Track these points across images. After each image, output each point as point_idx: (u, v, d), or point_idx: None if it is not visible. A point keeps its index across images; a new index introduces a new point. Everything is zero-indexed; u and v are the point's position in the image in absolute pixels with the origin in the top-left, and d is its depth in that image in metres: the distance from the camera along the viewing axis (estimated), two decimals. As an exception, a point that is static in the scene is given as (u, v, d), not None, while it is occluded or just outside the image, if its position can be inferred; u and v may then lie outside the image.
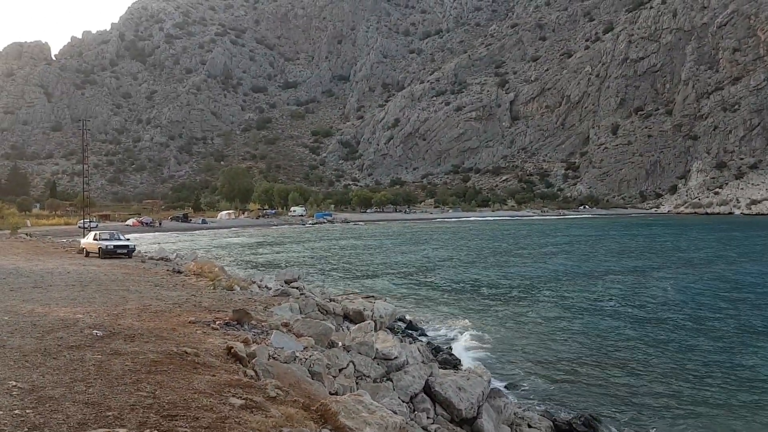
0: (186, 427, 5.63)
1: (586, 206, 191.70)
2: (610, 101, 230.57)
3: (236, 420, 6.01)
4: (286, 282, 25.96)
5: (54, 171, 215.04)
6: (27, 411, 5.98)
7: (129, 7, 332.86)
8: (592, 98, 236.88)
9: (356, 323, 18.57)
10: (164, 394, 6.69)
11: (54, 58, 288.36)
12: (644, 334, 21.58)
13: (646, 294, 30.88)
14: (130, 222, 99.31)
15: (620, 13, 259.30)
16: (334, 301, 22.57)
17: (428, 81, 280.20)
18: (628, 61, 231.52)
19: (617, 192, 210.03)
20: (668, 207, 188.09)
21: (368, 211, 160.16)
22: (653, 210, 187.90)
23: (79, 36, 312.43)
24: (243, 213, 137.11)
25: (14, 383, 6.91)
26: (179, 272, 26.25)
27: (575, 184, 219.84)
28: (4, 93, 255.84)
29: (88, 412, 5.98)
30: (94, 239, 34.98)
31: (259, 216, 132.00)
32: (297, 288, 23.89)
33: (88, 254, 34.15)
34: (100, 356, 8.51)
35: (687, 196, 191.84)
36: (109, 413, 5.97)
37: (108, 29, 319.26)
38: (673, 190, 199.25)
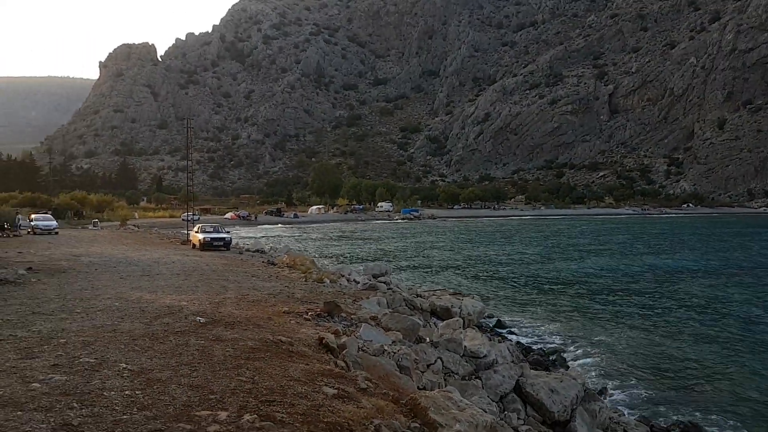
0: (283, 413, 5.84)
1: (690, 204, 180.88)
2: (717, 94, 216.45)
3: (329, 409, 6.17)
4: (373, 276, 26.32)
5: (160, 166, 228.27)
6: (136, 392, 6.35)
7: (229, 9, 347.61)
8: (697, 91, 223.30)
9: (443, 320, 18.55)
10: (262, 380, 6.95)
11: (160, 59, 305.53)
12: (758, 342, 20.17)
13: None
14: (228, 216, 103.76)
15: (727, 1, 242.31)
16: (421, 296, 22.64)
17: (521, 74, 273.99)
18: (736, 51, 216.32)
19: (723, 189, 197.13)
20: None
21: (455, 207, 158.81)
22: (762, 209, 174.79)
23: (183, 38, 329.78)
24: (332, 208, 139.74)
25: (125, 365, 7.39)
26: (273, 264, 27.19)
27: (678, 181, 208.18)
28: (114, 92, 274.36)
29: (192, 395, 6.30)
30: (196, 232, 36.79)
31: (347, 211, 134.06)
32: (384, 282, 24.15)
33: (194, 246, 35.80)
34: (203, 342, 8.96)
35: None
36: (212, 396, 6.27)
37: (209, 31, 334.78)
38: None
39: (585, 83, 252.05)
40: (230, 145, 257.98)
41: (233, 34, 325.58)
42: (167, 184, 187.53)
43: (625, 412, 13.33)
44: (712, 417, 13.38)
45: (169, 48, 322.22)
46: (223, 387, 6.61)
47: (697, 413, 13.57)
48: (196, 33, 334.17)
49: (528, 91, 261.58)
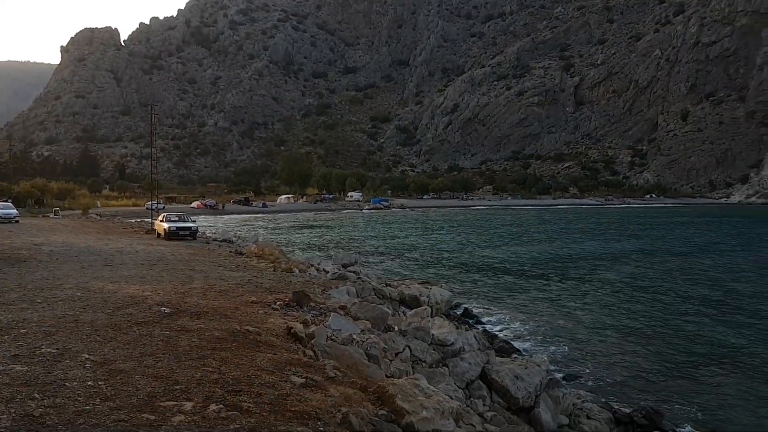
0: (249, 403, 5.81)
1: (653, 195, 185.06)
2: (680, 87, 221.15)
3: (297, 398, 6.16)
4: (343, 266, 26.32)
5: (123, 154, 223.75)
6: (99, 383, 6.26)
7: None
8: (661, 83, 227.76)
9: (412, 308, 18.66)
10: (229, 370, 6.91)
11: (123, 44, 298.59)
12: (715, 325, 20.79)
13: (725, 284, 29.70)
14: (194, 204, 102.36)
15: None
16: (390, 285, 22.73)
17: (489, 65, 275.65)
18: (699, 45, 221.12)
19: (686, 180, 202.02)
20: (739, 197, 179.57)
21: (425, 197, 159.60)
22: (722, 200, 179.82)
23: (147, 22, 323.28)
24: (301, 198, 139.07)
25: (87, 356, 7.26)
26: (241, 254, 26.96)
27: (641, 172, 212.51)
28: (76, 78, 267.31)
29: (156, 386, 6.23)
30: (161, 221, 36.21)
31: (316, 201, 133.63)
32: (354, 272, 24.18)
33: (159, 235, 35.28)
34: (167, 332, 8.84)
35: (759, 186, 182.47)
36: (177, 387, 6.21)
37: (174, 15, 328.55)
38: (745, 179, 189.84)
39: (551, 75, 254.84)
40: (196, 132, 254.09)
41: (199, 18, 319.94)
42: (131, 172, 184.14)
43: (589, 399, 13.60)
44: (674, 402, 13.75)
45: (133, 32, 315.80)
46: (189, 377, 6.54)
47: (659, 399, 13.92)
48: (161, 17, 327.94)
49: (496, 83, 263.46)
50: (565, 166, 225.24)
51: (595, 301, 25.60)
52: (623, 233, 65.23)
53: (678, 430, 12.24)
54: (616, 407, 12.99)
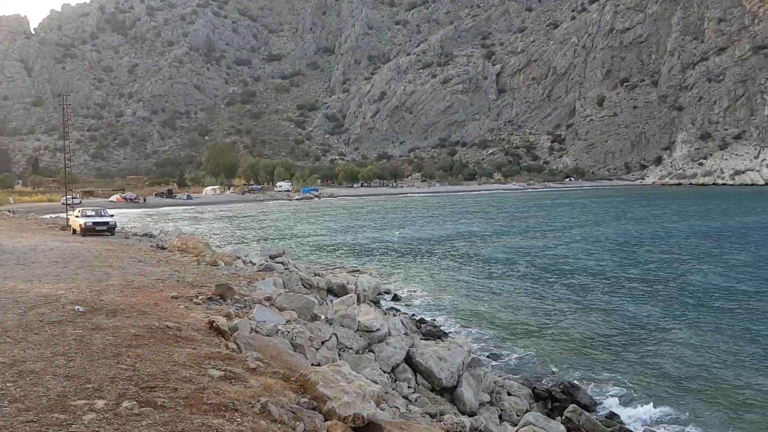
0: (164, 398, 5.75)
1: (572, 178, 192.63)
2: (596, 73, 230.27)
3: (215, 390, 6.13)
4: (270, 257, 26.09)
5: (36, 147, 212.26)
6: (8, 384, 6.06)
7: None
8: (578, 70, 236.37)
9: (340, 297, 18.78)
10: (144, 367, 6.79)
11: (33, 32, 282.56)
12: (631, 300, 22.00)
13: (622, 258, 31.38)
14: (113, 198, 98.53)
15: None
16: (318, 275, 22.77)
17: (414, 53, 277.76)
18: (614, 31, 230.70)
19: (603, 164, 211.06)
20: (653, 178, 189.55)
21: (355, 185, 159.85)
22: (638, 181, 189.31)
23: (59, 9, 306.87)
24: (228, 189, 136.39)
25: (-5, 358, 6.97)
26: (163, 248, 26.24)
27: (561, 157, 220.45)
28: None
29: (68, 385, 6.08)
30: (77, 216, 34.69)
31: (244, 191, 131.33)
32: (282, 263, 24.02)
33: (75, 231, 33.78)
34: (81, 331, 8.59)
35: (672, 167, 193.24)
36: (89, 386, 6.07)
37: (88, 2, 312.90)
38: (658, 161, 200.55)
39: (474, 63, 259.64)
40: (114, 122, 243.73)
41: (114, 4, 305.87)
42: (45, 165, 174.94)
43: (510, 376, 14.16)
44: (592, 376, 14.51)
45: (44, 20, 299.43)
46: (102, 376, 6.41)
47: (579, 373, 14.65)
48: (73, 4, 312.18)
49: (421, 70, 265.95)
50: (489, 152, 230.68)
51: (520, 283, 26.55)
52: (546, 216, 67.68)
53: (596, 401, 12.95)
54: (536, 383, 13.60)
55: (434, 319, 19.76)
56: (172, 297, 12.50)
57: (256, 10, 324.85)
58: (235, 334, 9.52)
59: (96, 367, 6.75)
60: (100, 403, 5.51)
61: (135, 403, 5.50)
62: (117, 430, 4.94)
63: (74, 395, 5.78)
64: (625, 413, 12.30)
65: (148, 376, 6.42)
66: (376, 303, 20.57)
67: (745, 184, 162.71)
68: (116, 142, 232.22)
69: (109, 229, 33.16)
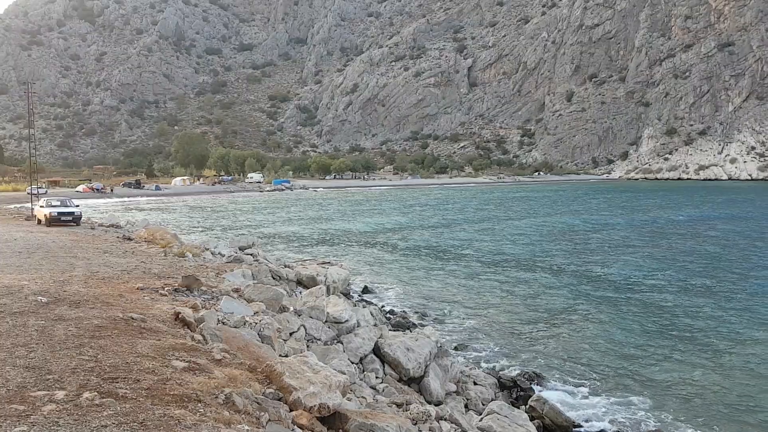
0: (126, 389, 5.71)
1: (541, 172, 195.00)
2: (566, 68, 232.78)
3: (178, 381, 6.10)
4: (240, 248, 25.87)
5: (1, 136, 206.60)
6: (-35, 376, 5.95)
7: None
8: (548, 65, 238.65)
9: (309, 288, 18.75)
10: (106, 358, 6.72)
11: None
12: (585, 290, 22.42)
13: (586, 252, 31.96)
14: (80, 188, 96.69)
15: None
16: (288, 267, 22.66)
17: (387, 46, 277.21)
18: (583, 27, 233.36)
19: (571, 158, 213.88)
20: (619, 173, 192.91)
21: (327, 177, 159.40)
22: (605, 176, 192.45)
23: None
24: (198, 179, 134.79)
25: (-47, 350, 6.83)
26: (129, 239, 25.87)
27: (530, 151, 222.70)
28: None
29: (28, 376, 6.00)
30: (42, 206, 33.98)
31: (215, 183, 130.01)
32: (251, 254, 23.85)
33: (40, 221, 33.08)
34: (43, 322, 8.45)
35: (638, 161, 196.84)
36: (50, 377, 6.00)
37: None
38: (625, 156, 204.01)
39: (446, 56, 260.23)
40: (81, 111, 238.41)
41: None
42: (9, 154, 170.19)
43: (476, 366, 14.36)
44: (555, 366, 14.79)
45: (9, 6, 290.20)
46: (63, 367, 6.33)
47: (540, 363, 14.92)
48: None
49: (394, 63, 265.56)
50: (460, 146, 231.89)
51: (486, 273, 26.83)
52: (515, 209, 68.45)
53: (559, 389, 13.22)
54: (502, 373, 13.82)
55: (404, 311, 19.91)
56: (137, 288, 12.37)
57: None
58: (201, 325, 9.47)
59: (57, 358, 6.66)
60: (60, 394, 5.45)
61: (96, 394, 5.45)
62: (77, 421, 4.89)
63: (34, 386, 5.71)
64: (587, 402, 12.57)
65: (110, 367, 6.36)
66: (346, 295, 20.60)
67: (709, 179, 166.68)
68: (83, 131, 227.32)
69: (75, 220, 32.55)
